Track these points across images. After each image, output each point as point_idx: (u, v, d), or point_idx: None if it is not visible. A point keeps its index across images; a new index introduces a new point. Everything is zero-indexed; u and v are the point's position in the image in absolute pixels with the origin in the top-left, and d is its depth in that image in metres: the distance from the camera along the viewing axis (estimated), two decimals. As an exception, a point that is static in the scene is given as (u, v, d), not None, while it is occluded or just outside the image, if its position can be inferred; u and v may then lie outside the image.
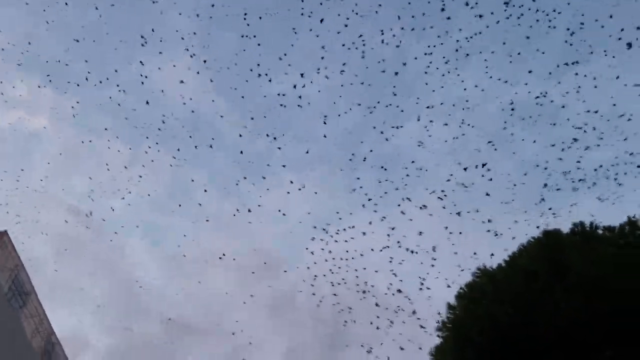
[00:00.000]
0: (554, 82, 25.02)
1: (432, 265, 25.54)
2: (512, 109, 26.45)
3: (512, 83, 25.68)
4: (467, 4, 24.33)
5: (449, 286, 26.96)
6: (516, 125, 25.76)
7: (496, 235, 25.49)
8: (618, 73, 23.97)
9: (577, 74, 24.38)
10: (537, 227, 26.71)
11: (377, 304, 26.06)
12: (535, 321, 24.49)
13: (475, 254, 25.43)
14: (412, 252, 25.21)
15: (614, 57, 23.54)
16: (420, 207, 25.04)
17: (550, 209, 25.71)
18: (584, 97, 24.43)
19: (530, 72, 25.64)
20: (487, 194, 25.10)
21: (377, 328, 26.00)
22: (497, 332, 26.31)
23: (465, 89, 28.39)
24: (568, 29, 24.07)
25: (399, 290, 26.51)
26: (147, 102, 27.82)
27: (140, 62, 28.04)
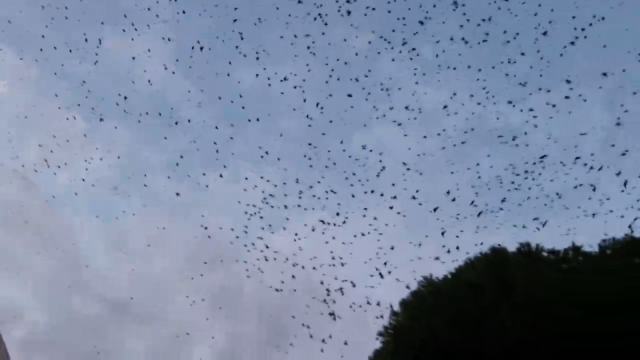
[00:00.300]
0: (518, 106, 25.63)
1: (385, 265, 25.57)
2: (472, 128, 26.99)
3: (477, 101, 25.99)
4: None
5: (407, 287, 27.23)
6: (475, 142, 26.20)
7: (449, 251, 26.02)
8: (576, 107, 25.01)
9: (529, 109, 25.22)
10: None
11: (327, 291, 25.77)
12: (481, 338, 25.26)
13: (438, 258, 25.82)
14: (363, 234, 25.04)
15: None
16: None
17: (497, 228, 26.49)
18: (545, 124, 25.27)
19: (492, 94, 26.14)
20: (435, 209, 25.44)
21: (333, 315, 25.78)
22: (440, 345, 26.97)
23: (426, 103, 28.50)
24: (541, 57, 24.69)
25: (353, 285, 26.37)
26: (133, 58, 25.45)
27: (127, 15, 25.23)
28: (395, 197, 24.74)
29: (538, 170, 26.49)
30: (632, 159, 24.39)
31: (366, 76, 26.51)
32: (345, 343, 28.14)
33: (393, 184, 24.63)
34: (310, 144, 26.56)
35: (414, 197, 25.30)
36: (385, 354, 30.02)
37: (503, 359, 23.59)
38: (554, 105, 25.28)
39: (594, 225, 25.47)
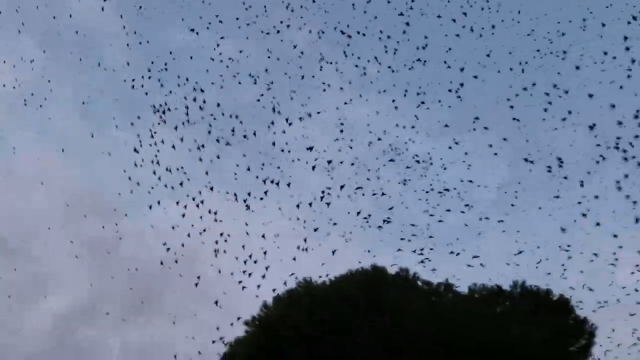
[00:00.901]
0: (442, 140, 26.61)
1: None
2: (389, 151, 27.50)
3: (403, 127, 26.33)
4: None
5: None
6: (388, 166, 26.76)
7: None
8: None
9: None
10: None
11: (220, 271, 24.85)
12: (349, 350, 26.62)
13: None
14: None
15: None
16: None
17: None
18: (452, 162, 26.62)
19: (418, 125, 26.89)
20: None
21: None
22: (305, 346, 27.83)
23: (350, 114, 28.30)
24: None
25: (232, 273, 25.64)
26: None
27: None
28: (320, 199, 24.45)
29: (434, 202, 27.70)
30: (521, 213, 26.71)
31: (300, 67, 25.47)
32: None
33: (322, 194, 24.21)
34: (225, 129, 24.88)
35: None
36: (248, 343, 30.13)
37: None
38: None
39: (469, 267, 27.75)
